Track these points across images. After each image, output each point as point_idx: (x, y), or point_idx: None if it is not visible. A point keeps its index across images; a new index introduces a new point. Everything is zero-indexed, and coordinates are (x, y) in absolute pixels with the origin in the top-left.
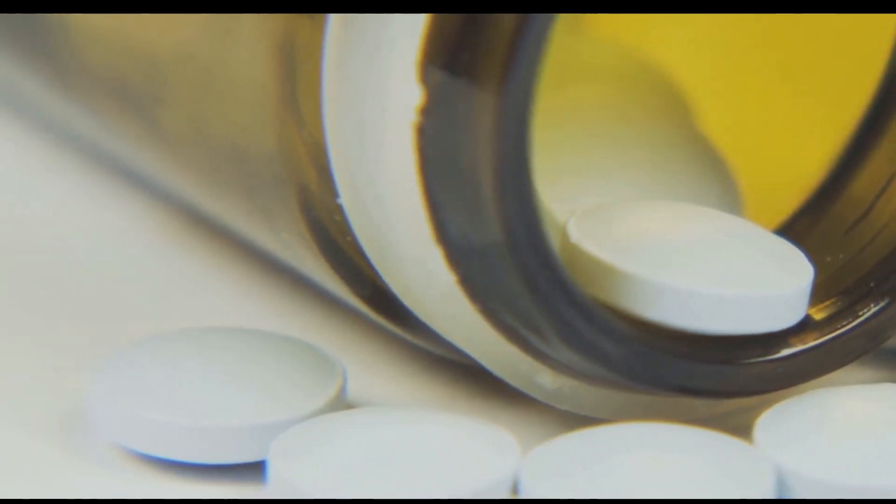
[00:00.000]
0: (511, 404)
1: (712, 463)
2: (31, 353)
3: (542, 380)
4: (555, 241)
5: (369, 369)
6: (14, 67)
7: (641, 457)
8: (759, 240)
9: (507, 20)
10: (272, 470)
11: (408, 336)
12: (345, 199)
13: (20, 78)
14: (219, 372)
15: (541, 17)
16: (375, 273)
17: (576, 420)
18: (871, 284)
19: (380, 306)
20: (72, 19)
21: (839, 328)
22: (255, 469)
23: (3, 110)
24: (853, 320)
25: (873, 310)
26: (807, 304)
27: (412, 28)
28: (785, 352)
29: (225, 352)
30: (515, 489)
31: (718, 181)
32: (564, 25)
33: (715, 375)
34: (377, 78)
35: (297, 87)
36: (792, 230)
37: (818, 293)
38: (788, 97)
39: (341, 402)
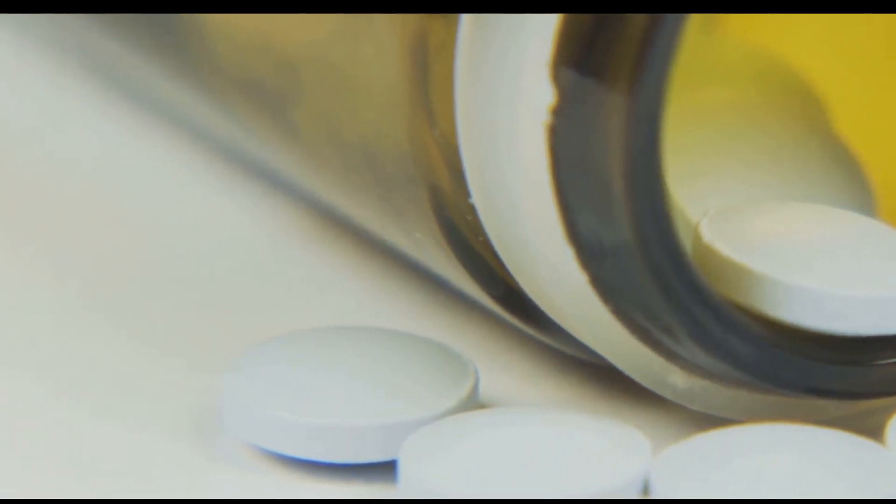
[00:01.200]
0: (643, 404)
1: (844, 464)
2: (167, 353)
3: (674, 380)
4: (687, 242)
5: (501, 369)
6: (150, 69)
7: (772, 457)
8: (891, 241)
9: (639, 20)
10: (403, 470)
11: (540, 336)
12: (477, 199)
13: (157, 79)
14: (351, 371)
15: (672, 18)
16: (507, 273)
17: (708, 420)
18: None
19: (512, 306)
20: (207, 20)
21: None
22: (387, 469)
23: (140, 112)
24: None
25: None
26: None
27: (545, 28)
28: None
29: (357, 351)
30: (647, 489)
31: (852, 182)
32: (697, 25)
33: (847, 376)
34: (509, 78)
35: (430, 88)
36: None
37: None
38: None
39: (473, 402)
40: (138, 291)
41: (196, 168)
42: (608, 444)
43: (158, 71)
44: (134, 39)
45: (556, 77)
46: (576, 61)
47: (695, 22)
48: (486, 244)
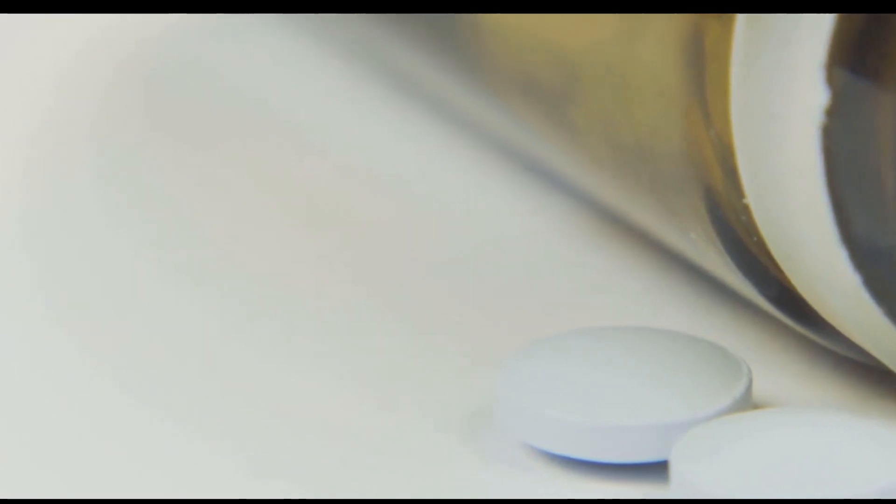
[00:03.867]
0: None
1: None
2: (442, 349)
3: None
4: None
5: (775, 370)
6: (428, 66)
7: None
8: None
9: None
10: (675, 470)
11: (813, 336)
12: (751, 200)
13: (434, 77)
14: (624, 371)
15: None
16: (781, 273)
17: None
18: None
19: (785, 306)
20: (484, 19)
21: None
22: (658, 469)
23: (421, 110)
24: None
25: None
26: None
27: (819, 29)
28: None
29: (630, 350)
30: None
31: None
32: None
33: None
34: (784, 78)
35: (706, 88)
36: None
37: None
38: None
39: (747, 403)
40: (415, 288)
41: (474, 165)
42: (881, 446)
43: (439, 70)
44: (416, 39)
45: (830, 78)
46: (850, 62)
47: None
48: (760, 244)
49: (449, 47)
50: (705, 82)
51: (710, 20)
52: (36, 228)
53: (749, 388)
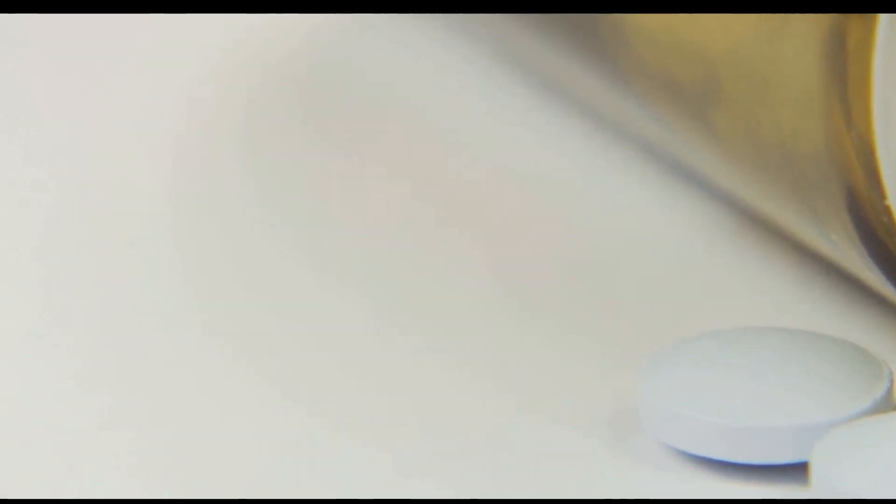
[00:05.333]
0: None
1: None
2: (584, 351)
3: None
4: None
5: None
6: (569, 67)
7: None
8: None
9: None
10: (816, 471)
11: None
12: (892, 201)
13: (575, 77)
14: (765, 372)
15: None
16: None
17: None
18: None
19: None
20: (627, 20)
21: None
22: (798, 470)
23: (558, 109)
24: None
25: None
26: None
27: None
28: None
29: (772, 351)
30: None
31: None
32: None
33: None
34: None
35: (848, 88)
36: None
37: None
38: None
39: (888, 405)
40: (556, 288)
41: (615, 166)
42: None
43: (580, 70)
44: (559, 40)
45: None
46: None
47: None
48: None
49: (591, 48)
50: (847, 83)
51: (852, 20)
52: (184, 227)
53: (890, 390)
